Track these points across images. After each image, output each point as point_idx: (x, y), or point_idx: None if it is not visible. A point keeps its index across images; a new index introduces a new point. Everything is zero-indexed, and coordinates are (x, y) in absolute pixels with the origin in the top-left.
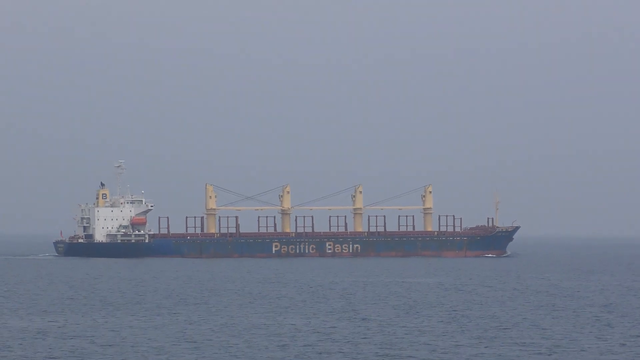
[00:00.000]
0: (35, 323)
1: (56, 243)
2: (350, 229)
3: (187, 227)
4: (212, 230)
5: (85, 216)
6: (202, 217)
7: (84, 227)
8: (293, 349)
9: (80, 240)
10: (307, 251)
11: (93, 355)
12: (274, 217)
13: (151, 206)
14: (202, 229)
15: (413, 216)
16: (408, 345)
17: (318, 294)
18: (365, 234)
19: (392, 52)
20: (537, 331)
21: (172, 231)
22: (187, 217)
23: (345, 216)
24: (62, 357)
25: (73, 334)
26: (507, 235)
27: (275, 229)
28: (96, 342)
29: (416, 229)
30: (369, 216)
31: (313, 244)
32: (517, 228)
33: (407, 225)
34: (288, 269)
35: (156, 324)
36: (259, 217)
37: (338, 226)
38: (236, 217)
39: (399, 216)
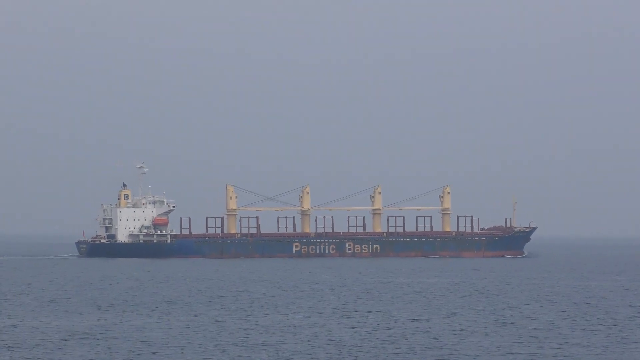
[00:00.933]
0: (107, 321)
1: (78, 243)
2: (368, 229)
3: (207, 228)
4: (233, 231)
5: (108, 217)
6: (222, 218)
7: (106, 228)
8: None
9: (103, 241)
10: (327, 251)
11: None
12: (293, 217)
13: (173, 206)
14: (222, 230)
15: (431, 217)
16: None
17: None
18: (385, 234)
19: (435, 48)
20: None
21: (193, 232)
22: (207, 218)
23: (364, 217)
24: (142, 354)
25: (170, 331)
26: (525, 235)
27: (294, 230)
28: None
29: (434, 230)
30: (388, 217)
31: (333, 244)
32: (535, 228)
33: (424, 226)
34: (327, 269)
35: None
36: (278, 217)
37: (357, 226)
38: (257, 218)
39: (417, 217)
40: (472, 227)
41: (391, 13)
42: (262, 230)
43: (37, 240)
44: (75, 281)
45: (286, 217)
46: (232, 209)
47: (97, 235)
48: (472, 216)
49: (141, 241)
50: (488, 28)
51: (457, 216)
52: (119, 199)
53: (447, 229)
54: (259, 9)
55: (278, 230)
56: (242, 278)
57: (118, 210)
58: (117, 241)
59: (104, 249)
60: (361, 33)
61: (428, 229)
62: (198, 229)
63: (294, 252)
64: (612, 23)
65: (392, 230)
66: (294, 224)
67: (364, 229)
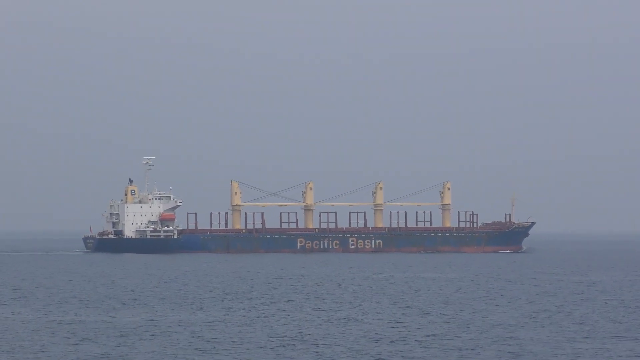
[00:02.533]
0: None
1: (85, 239)
2: (370, 225)
3: (211, 223)
4: (237, 226)
5: (115, 212)
6: (226, 213)
7: (113, 223)
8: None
9: (110, 236)
10: (330, 247)
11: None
12: (296, 213)
13: (180, 202)
14: (225, 225)
15: (430, 212)
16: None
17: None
18: (387, 229)
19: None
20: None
21: (198, 227)
22: (211, 213)
23: (365, 212)
24: (190, 346)
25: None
26: (524, 231)
27: (297, 225)
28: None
29: (433, 225)
30: (390, 212)
31: (337, 239)
32: (533, 224)
33: (424, 221)
34: (345, 264)
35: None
36: (280, 213)
37: (358, 222)
38: (262, 213)
39: (417, 212)
40: (471, 222)
41: (391, 13)
42: (266, 226)
43: (42, 236)
44: (108, 277)
45: (289, 213)
46: (236, 205)
47: (104, 231)
48: (472, 212)
49: (148, 236)
50: (488, 29)
51: (458, 212)
52: (126, 194)
53: (447, 225)
54: (262, 9)
55: (280, 226)
56: (290, 274)
57: (125, 205)
58: (125, 236)
59: (111, 244)
60: (362, 33)
61: (428, 225)
62: (202, 225)
63: (298, 247)
64: (609, 25)
65: (394, 225)
66: (297, 219)
67: (365, 225)
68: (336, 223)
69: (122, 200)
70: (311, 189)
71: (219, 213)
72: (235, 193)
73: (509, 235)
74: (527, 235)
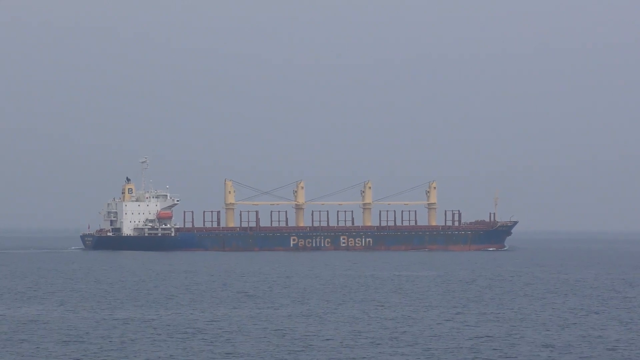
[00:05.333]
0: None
1: (83, 237)
2: (358, 223)
3: (204, 222)
4: (231, 224)
5: (112, 210)
6: (218, 212)
7: (111, 221)
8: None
9: (109, 234)
10: (322, 245)
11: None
12: (286, 211)
13: (177, 200)
14: (218, 223)
15: (415, 211)
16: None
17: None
18: (376, 228)
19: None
20: None
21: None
22: (204, 212)
23: (352, 211)
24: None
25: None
26: (507, 229)
27: (286, 223)
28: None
29: (418, 224)
30: (380, 211)
31: (328, 237)
32: (516, 223)
33: (409, 220)
34: (355, 262)
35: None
36: (271, 211)
37: (346, 221)
38: (256, 212)
39: (402, 211)
40: (456, 221)
41: (376, 17)
42: (260, 224)
43: (33, 235)
44: (129, 275)
45: (279, 212)
46: (230, 203)
47: (102, 229)
48: (459, 211)
49: (146, 234)
50: (474, 33)
51: (445, 210)
52: (123, 193)
53: (433, 223)
54: (253, 10)
55: (271, 224)
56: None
57: (124, 204)
58: (123, 234)
59: (109, 241)
60: (351, 36)
61: (413, 223)
62: (196, 223)
63: (291, 245)
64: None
65: (383, 224)
66: (287, 218)
67: (352, 223)
68: (328, 222)
69: (119, 198)
70: (302, 188)
71: (212, 211)
72: (229, 192)
73: (493, 234)
74: (510, 234)
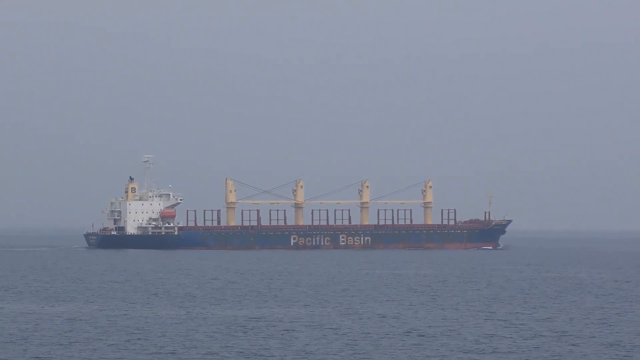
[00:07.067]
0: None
1: (87, 235)
2: (355, 222)
3: (205, 220)
4: (232, 223)
5: (116, 209)
6: (218, 211)
7: (114, 220)
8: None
9: (113, 233)
10: (322, 243)
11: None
12: (284, 210)
13: (180, 199)
14: (218, 222)
15: (411, 210)
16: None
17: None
18: (374, 227)
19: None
20: None
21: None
22: (205, 211)
23: (349, 210)
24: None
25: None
26: (501, 228)
27: (285, 222)
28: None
29: (414, 222)
30: (378, 210)
31: (328, 236)
32: (510, 222)
33: (405, 219)
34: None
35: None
36: (270, 210)
37: (343, 219)
38: (257, 211)
39: (398, 210)
40: (451, 220)
41: (374, 16)
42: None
43: (41, 232)
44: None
45: (277, 210)
46: (231, 202)
47: (105, 228)
48: (455, 210)
49: (150, 233)
50: (470, 33)
51: (442, 209)
52: (126, 192)
53: (429, 222)
54: (253, 10)
55: (271, 223)
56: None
57: (127, 203)
58: (127, 233)
59: (113, 240)
60: (350, 35)
61: (408, 222)
62: (198, 222)
63: (292, 243)
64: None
65: (381, 222)
66: (285, 217)
67: (350, 222)
68: (327, 220)
69: (122, 197)
70: (302, 187)
71: (212, 210)
72: (230, 191)
73: (488, 233)
74: (504, 232)
